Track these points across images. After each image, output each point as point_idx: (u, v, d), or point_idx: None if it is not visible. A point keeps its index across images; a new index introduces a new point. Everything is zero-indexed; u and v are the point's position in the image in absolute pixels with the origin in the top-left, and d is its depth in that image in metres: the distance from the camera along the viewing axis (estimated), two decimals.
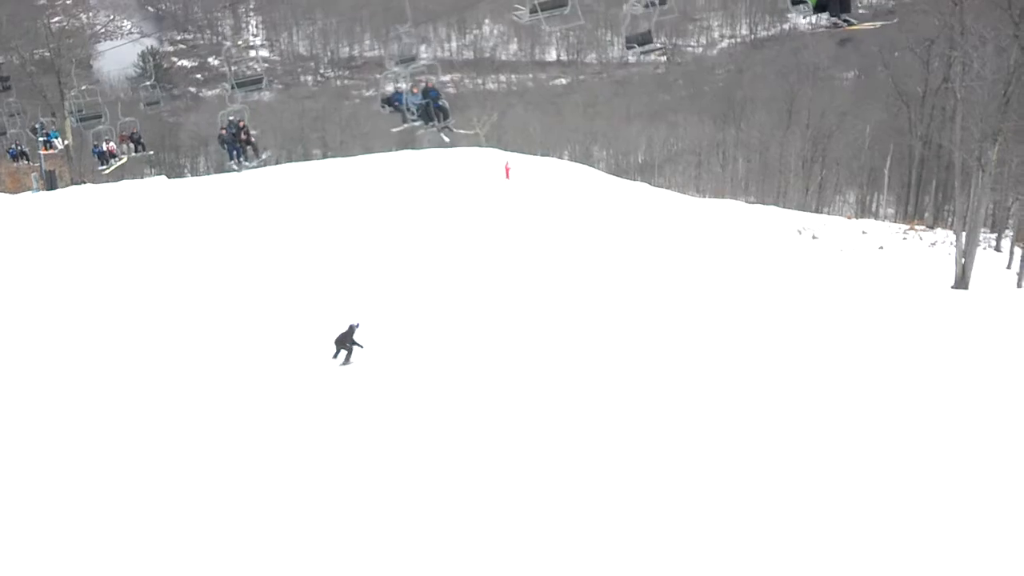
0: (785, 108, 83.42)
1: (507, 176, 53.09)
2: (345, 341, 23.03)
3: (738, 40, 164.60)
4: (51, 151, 34.25)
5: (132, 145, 30.84)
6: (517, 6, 19.43)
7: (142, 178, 66.32)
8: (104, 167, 30.91)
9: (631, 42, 21.90)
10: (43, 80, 68.68)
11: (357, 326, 23.32)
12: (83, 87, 32.98)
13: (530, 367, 22.28)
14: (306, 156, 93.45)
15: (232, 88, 26.42)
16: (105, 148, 30.40)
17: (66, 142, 36.66)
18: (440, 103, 22.08)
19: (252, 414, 18.44)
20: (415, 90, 22.13)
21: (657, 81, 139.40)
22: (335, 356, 23.12)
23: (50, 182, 52.74)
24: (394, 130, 24.20)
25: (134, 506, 13.60)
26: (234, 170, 26.85)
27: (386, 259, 36.15)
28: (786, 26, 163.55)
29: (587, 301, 29.90)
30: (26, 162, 36.42)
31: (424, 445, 16.10)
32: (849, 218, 59.36)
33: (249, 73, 28.65)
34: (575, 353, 23.72)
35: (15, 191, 50.27)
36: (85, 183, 54.53)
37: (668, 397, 18.78)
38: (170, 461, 15.57)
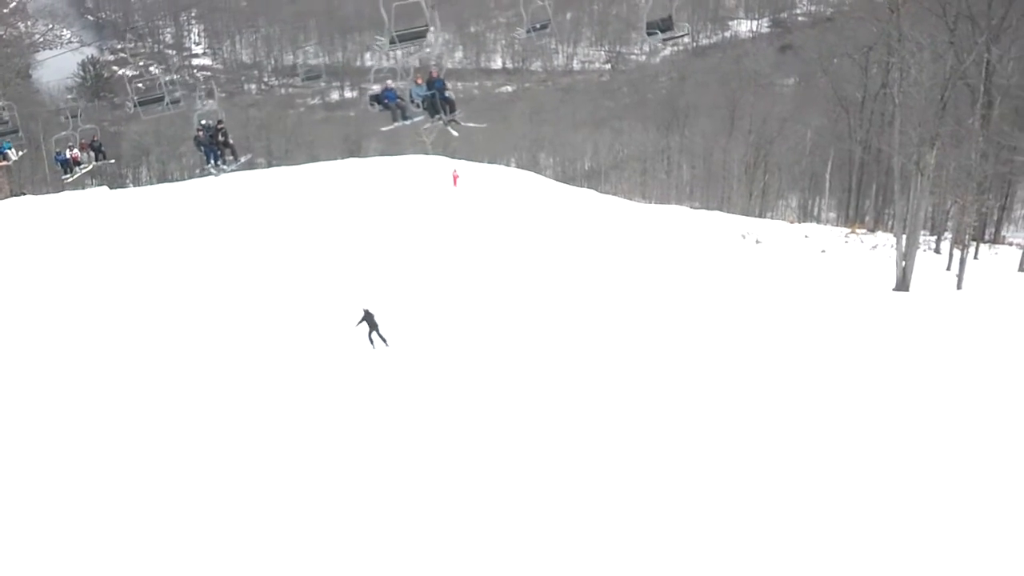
0: (727, 115, 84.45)
1: (455, 183, 53.16)
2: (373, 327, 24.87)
3: (680, 48, 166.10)
4: (4, 163, 33.35)
5: (93, 153, 30.02)
6: (377, 36, 19.72)
7: (83, 188, 65.23)
8: (68, 175, 30.05)
9: (652, 28, 20.74)
10: None
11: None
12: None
13: (473, 366, 22.45)
14: (250, 165, 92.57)
15: (134, 107, 25.99)
16: (69, 156, 29.54)
17: (21, 153, 35.55)
18: (447, 95, 20.93)
19: (250, 414, 18.34)
20: (419, 80, 20.81)
21: (601, 89, 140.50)
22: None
23: None
24: (384, 129, 23.16)
25: (136, 503, 13.56)
26: (211, 174, 25.83)
27: (332, 265, 35.93)
28: (727, 34, 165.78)
29: (533, 305, 30.02)
30: None
31: (402, 445, 16.17)
32: (792, 222, 60.26)
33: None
34: (516, 353, 23.88)
35: None
36: (25, 194, 53.62)
37: (607, 393, 18.99)
38: (150, 461, 15.46)
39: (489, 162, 78.99)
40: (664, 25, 20.40)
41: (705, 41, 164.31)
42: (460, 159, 67.49)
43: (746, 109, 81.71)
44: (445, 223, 44.13)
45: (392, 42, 19.63)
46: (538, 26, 23.86)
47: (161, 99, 26.75)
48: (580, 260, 37.52)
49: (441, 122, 20.80)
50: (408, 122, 21.95)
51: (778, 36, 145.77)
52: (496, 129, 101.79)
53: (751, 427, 16.49)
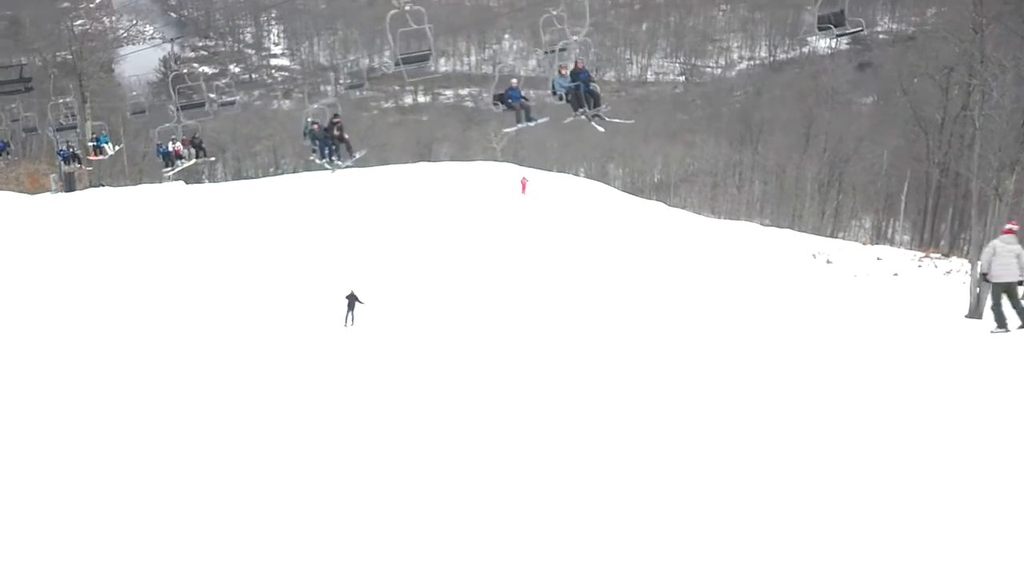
0: (802, 131, 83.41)
1: (523, 191, 53.23)
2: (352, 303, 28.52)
3: (757, 62, 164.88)
4: (100, 156, 33.80)
5: (193, 150, 30.10)
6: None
7: (160, 183, 66.71)
8: (169, 168, 30.21)
9: (824, 23, 19.07)
10: (64, 82, 69.16)
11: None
12: (134, 92, 33.14)
13: (536, 374, 22.30)
14: (323, 165, 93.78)
15: (176, 111, 25.89)
16: (171, 149, 29.63)
17: (118, 147, 35.98)
18: (592, 87, 19.64)
19: (258, 409, 18.51)
20: (563, 71, 19.57)
21: (675, 101, 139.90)
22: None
23: (69, 184, 53.08)
24: (507, 131, 22.89)
25: (138, 499, 13.69)
26: (326, 169, 25.20)
27: (401, 269, 36.36)
28: (805, 50, 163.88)
29: (598, 316, 29.92)
30: (78, 165, 36.06)
31: (425, 443, 16.17)
32: (864, 244, 59.21)
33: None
34: (581, 363, 23.71)
35: (34, 192, 50.66)
36: (104, 186, 54.94)
37: (672, 409, 18.77)
38: (179, 454, 15.67)
39: (558, 171, 79.01)
40: (837, 20, 18.87)
41: (782, 56, 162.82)
42: (529, 167, 67.61)
43: (822, 126, 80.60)
44: (512, 230, 44.24)
45: (397, 64, 19.53)
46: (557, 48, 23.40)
47: (202, 104, 26.82)
48: (645, 273, 37.31)
49: (584, 116, 19.64)
50: (532, 123, 21.44)
51: (857, 53, 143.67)
52: (566, 138, 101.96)
53: (812, 454, 16.16)
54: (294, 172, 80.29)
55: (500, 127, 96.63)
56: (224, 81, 29.85)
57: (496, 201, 51.41)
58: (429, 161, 78.24)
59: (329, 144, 23.75)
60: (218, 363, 23.02)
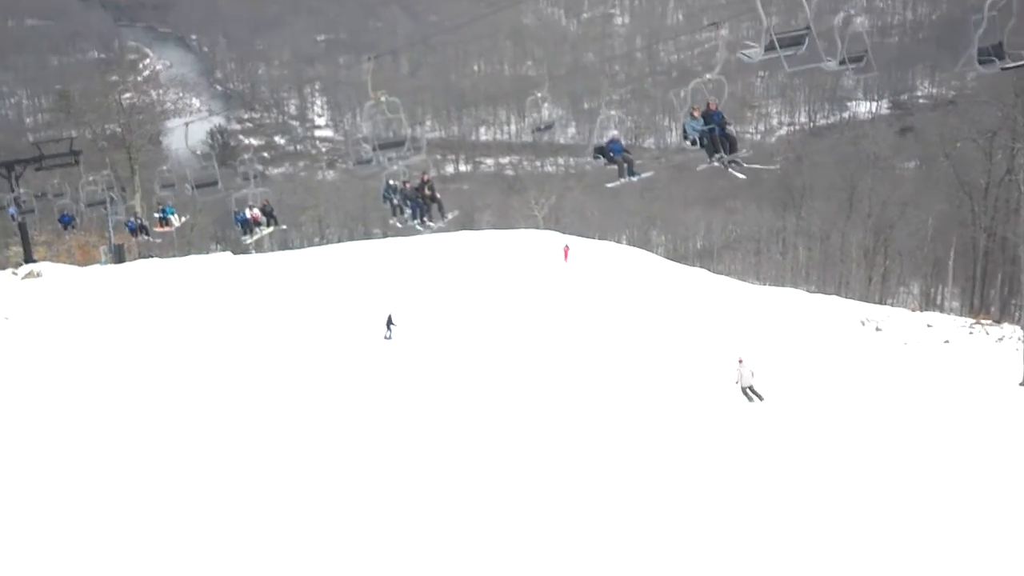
0: (846, 197, 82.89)
1: (565, 259, 53.20)
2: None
3: (797, 127, 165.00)
4: (167, 228, 33.95)
5: (265, 218, 29.25)
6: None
7: (207, 253, 67.55)
8: (247, 236, 29.51)
9: (983, 55, 16.52)
10: (113, 155, 70.63)
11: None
12: (164, 168, 33.61)
13: (567, 438, 22.17)
14: (367, 235, 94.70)
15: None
16: (249, 215, 28.85)
17: (183, 218, 36.04)
18: (727, 130, 18.11)
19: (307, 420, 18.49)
20: (696, 113, 18.05)
21: (715, 166, 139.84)
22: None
23: (118, 256, 53.88)
24: (610, 185, 21.33)
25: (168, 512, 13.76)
26: (418, 231, 24.29)
27: (443, 335, 36.47)
28: (845, 115, 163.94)
29: (641, 380, 29.75)
30: (145, 236, 36.24)
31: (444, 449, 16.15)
32: (913, 310, 58.33)
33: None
34: (617, 422, 23.57)
35: (85, 264, 51.47)
36: (153, 257, 55.72)
37: (719, 482, 18.38)
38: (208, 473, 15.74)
39: (600, 238, 79.04)
40: (996, 52, 17.37)
41: (822, 121, 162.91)
42: (571, 234, 67.69)
43: (865, 191, 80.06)
44: (554, 297, 44.19)
45: (374, 149, 19.56)
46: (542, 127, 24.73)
47: (215, 183, 26.78)
48: (688, 341, 37.01)
49: (720, 163, 18.16)
50: (635, 178, 20.36)
51: (898, 118, 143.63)
52: (607, 205, 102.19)
53: (858, 519, 15.73)
54: (339, 242, 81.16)
55: (540, 195, 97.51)
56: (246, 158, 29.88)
57: (538, 269, 51.45)
58: (471, 229, 78.62)
59: (420, 205, 22.97)
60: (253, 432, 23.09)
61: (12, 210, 40.41)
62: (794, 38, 16.07)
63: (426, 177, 23.11)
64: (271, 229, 29.93)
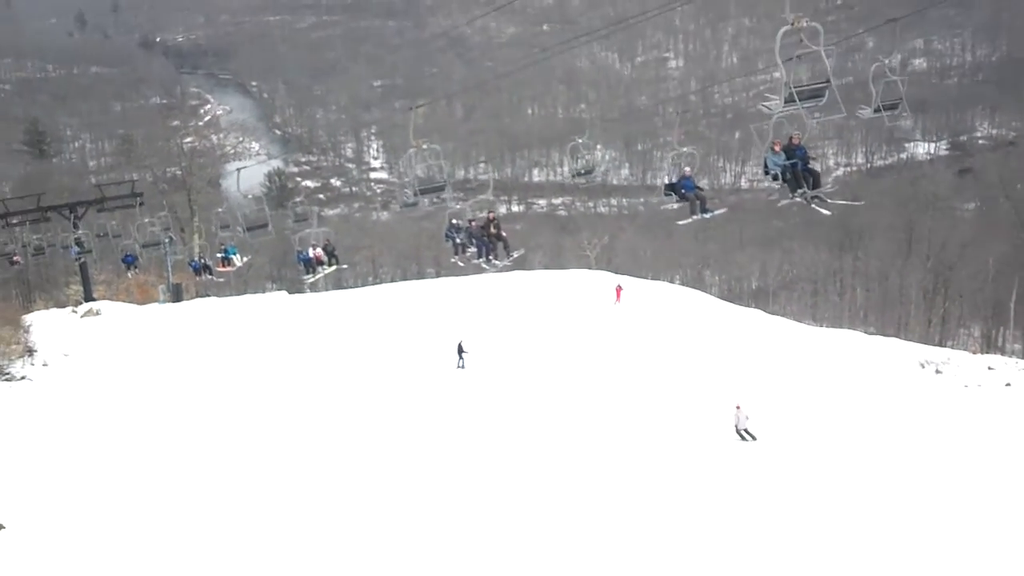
0: (904, 238, 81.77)
1: (618, 299, 52.90)
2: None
3: (854, 168, 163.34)
4: (229, 267, 34.42)
5: (327, 257, 29.65)
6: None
7: (263, 292, 68.40)
8: (309, 275, 29.98)
9: None
10: (173, 197, 72.18)
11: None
12: (219, 210, 34.16)
13: (611, 472, 21.94)
14: (420, 275, 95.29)
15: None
16: (312, 255, 29.15)
17: (246, 259, 36.49)
18: (810, 165, 17.52)
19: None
20: (777, 147, 17.48)
21: (770, 206, 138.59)
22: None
23: (176, 294, 54.73)
24: (681, 223, 21.13)
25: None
26: (485, 269, 24.10)
27: (494, 377, 36.45)
28: (903, 155, 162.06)
29: (694, 425, 29.44)
30: (208, 275, 36.70)
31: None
32: (974, 352, 57.02)
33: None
34: (667, 463, 23.27)
35: (143, 302, 52.35)
36: (210, 296, 56.54)
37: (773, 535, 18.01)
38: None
39: (653, 278, 78.55)
40: None
41: (880, 162, 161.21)
42: (623, 274, 67.38)
43: (923, 232, 78.92)
44: (606, 338, 43.95)
45: (415, 194, 20.05)
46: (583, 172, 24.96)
47: (265, 225, 27.10)
48: (743, 383, 36.48)
49: (803, 199, 17.56)
50: (708, 215, 19.98)
51: (957, 159, 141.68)
52: (660, 245, 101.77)
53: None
54: (392, 281, 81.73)
55: (592, 236, 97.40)
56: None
57: (590, 309, 51.24)
58: (523, 269, 78.78)
59: (486, 243, 22.72)
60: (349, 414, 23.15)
61: (75, 250, 41.50)
62: (814, 90, 16.14)
63: (492, 215, 22.93)
64: (333, 268, 30.11)
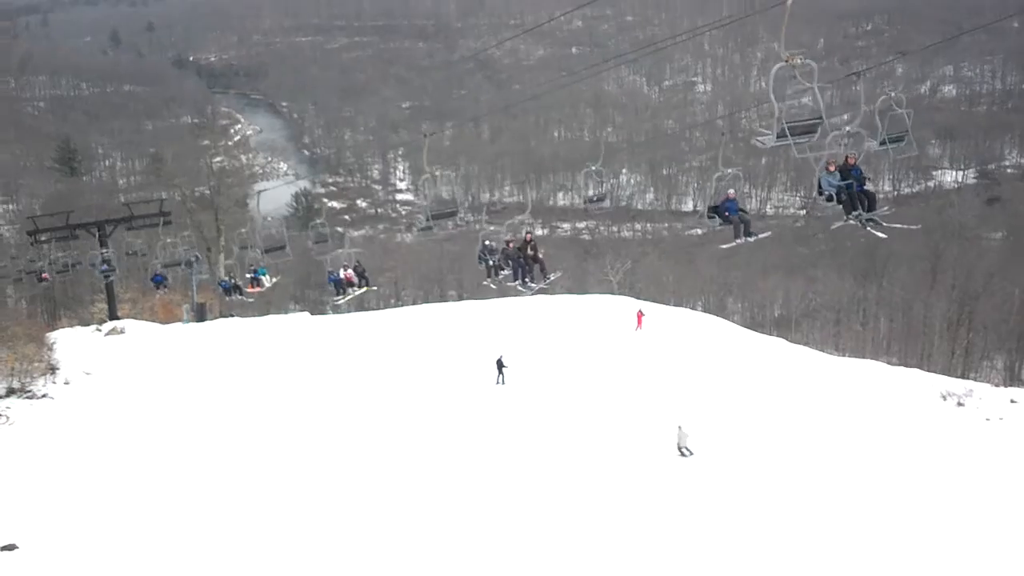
0: (929, 267, 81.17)
1: (639, 325, 52.88)
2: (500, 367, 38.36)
3: (881, 196, 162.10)
4: (259, 288, 34.67)
5: (357, 278, 29.55)
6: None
7: (286, 313, 68.80)
8: (340, 296, 29.81)
9: None
10: (201, 216, 72.83)
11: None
12: (242, 230, 34.49)
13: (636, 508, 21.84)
14: (442, 297, 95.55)
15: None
16: (342, 275, 29.08)
17: (275, 280, 36.60)
18: (865, 187, 16.94)
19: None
20: (831, 167, 16.94)
21: (795, 234, 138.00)
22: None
23: (200, 314, 55.20)
24: (724, 247, 20.72)
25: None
26: (520, 292, 23.51)
27: (514, 400, 36.54)
28: (931, 183, 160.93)
29: (711, 452, 29.37)
30: (239, 296, 36.90)
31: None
32: (997, 385, 56.48)
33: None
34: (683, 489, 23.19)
35: (167, 322, 52.84)
36: (233, 316, 56.98)
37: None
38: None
39: (675, 304, 78.42)
40: None
41: (907, 190, 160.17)
42: (646, 300, 67.33)
43: (949, 262, 78.32)
44: (627, 364, 43.93)
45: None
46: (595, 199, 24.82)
47: (283, 247, 27.37)
48: (765, 412, 36.39)
49: (858, 221, 16.97)
50: (752, 239, 19.61)
51: (985, 188, 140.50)
52: (683, 271, 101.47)
53: None
54: (414, 303, 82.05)
55: (615, 260, 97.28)
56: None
57: (612, 334, 51.28)
58: (547, 293, 78.94)
59: (522, 265, 22.25)
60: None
61: (102, 268, 41.94)
62: (807, 126, 16.12)
63: (529, 237, 22.53)
64: (364, 290, 29.97)
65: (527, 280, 22.26)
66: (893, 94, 16.62)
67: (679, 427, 30.63)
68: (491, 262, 23.75)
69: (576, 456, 28.81)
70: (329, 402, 34.59)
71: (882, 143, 16.55)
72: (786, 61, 14.69)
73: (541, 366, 42.74)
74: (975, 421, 39.24)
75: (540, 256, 22.45)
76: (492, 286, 24.61)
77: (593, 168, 24.70)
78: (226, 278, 37.06)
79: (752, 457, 29.39)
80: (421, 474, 25.27)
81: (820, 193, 17.16)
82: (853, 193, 16.66)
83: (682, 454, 30.05)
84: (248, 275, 34.35)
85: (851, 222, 16.99)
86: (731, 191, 19.57)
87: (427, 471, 25.60)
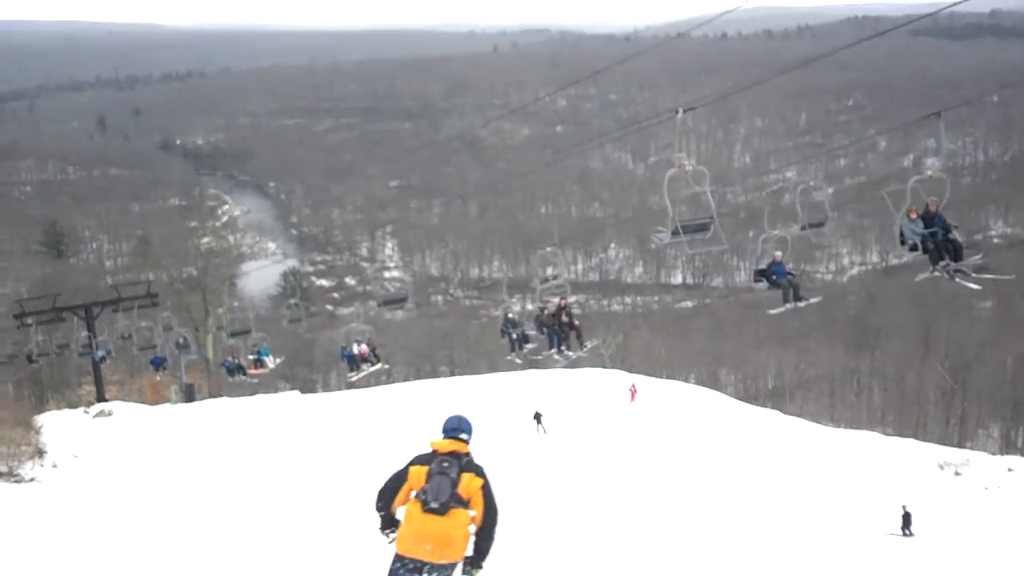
0: (921, 337, 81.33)
1: (632, 399, 52.61)
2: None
3: (869, 267, 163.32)
4: (262, 369, 34.10)
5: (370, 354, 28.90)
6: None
7: (276, 392, 68.17)
8: (353, 373, 29.24)
9: None
10: (189, 297, 72.62)
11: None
12: (234, 303, 34.36)
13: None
14: (434, 373, 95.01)
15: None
16: (356, 351, 28.51)
17: (278, 360, 36.11)
18: (951, 236, 16.03)
19: None
20: (913, 214, 16.19)
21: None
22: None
23: (188, 395, 54.64)
24: (772, 312, 20.06)
25: None
26: (556, 361, 22.68)
27: (506, 477, 35.84)
28: (918, 254, 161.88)
29: (706, 527, 28.82)
30: (243, 376, 36.26)
31: None
32: (993, 454, 56.19)
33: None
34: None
35: (155, 403, 52.22)
36: (222, 396, 56.40)
37: None
38: None
39: (667, 377, 78.13)
40: None
41: (895, 261, 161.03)
42: (638, 373, 67.06)
43: (941, 332, 78.52)
44: (620, 439, 43.50)
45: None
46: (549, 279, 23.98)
47: (248, 331, 27.27)
48: (759, 485, 35.96)
49: (945, 272, 16.14)
50: (802, 303, 19.05)
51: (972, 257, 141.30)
52: (675, 344, 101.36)
53: None
54: (405, 380, 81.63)
55: (606, 334, 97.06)
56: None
57: (605, 409, 50.94)
58: (538, 368, 78.58)
59: (557, 332, 21.44)
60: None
61: (100, 352, 41.58)
62: (700, 224, 17.05)
63: (563, 303, 21.72)
64: (378, 366, 29.40)
65: (563, 348, 21.46)
66: (812, 182, 17.32)
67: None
68: (514, 335, 23.29)
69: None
70: (326, 484, 33.88)
71: (803, 228, 17.07)
72: (678, 167, 15.84)
73: (533, 440, 42.31)
74: (974, 490, 39.02)
75: (576, 323, 21.67)
76: (517, 360, 24.02)
77: (549, 249, 24.68)
78: (229, 358, 36.70)
79: (749, 529, 28.87)
80: None
81: (903, 243, 16.54)
82: (939, 242, 15.97)
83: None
84: (251, 356, 33.93)
85: (937, 273, 16.29)
86: (778, 253, 19.09)
87: None
